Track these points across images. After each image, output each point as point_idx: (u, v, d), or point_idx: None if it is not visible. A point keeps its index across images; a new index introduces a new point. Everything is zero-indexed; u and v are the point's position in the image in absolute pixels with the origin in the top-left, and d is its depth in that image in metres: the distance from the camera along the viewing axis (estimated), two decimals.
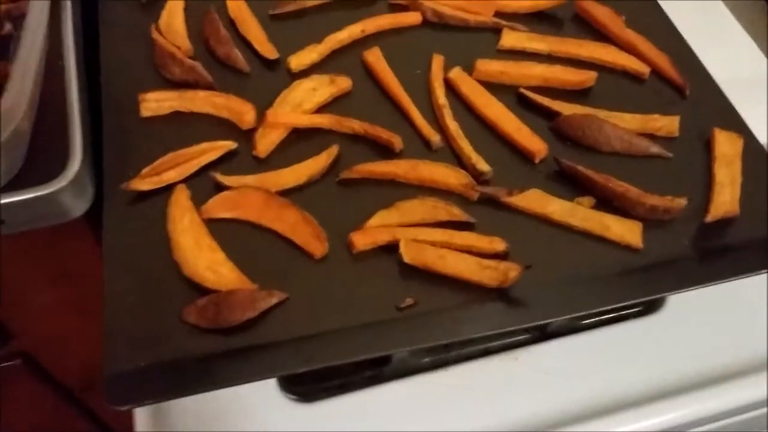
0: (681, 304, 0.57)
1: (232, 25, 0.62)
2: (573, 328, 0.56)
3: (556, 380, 0.53)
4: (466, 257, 0.49)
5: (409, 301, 0.48)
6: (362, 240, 0.50)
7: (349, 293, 0.48)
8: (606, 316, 0.56)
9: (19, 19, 0.56)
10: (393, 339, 0.46)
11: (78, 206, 0.53)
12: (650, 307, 0.58)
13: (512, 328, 0.47)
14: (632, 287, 0.50)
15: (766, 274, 0.51)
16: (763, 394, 0.55)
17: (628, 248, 0.51)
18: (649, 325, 0.57)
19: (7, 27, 0.59)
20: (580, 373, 0.53)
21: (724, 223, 0.53)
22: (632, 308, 0.57)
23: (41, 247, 0.61)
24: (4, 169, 0.48)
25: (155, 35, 0.58)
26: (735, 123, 0.59)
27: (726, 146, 0.55)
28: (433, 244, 0.50)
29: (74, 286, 0.67)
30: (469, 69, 0.60)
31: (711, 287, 0.50)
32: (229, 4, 0.63)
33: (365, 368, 0.53)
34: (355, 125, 0.56)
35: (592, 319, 0.56)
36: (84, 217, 0.53)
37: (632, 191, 0.52)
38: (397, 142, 0.55)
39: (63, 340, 0.73)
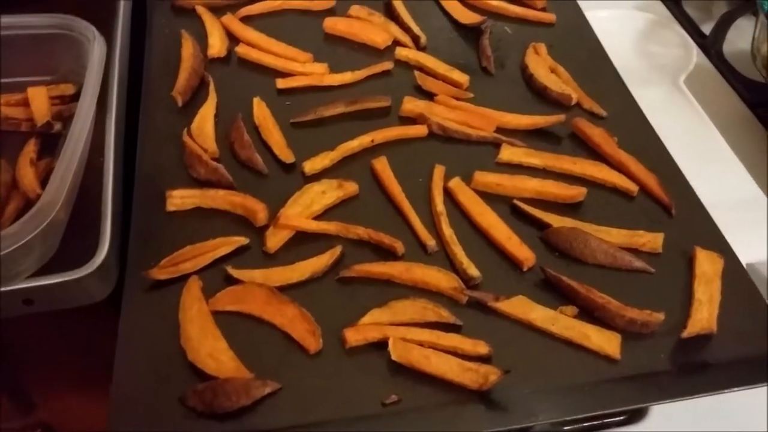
0: (665, 413, 0.58)
1: (256, 130, 0.69)
2: None
3: None
4: (449, 359, 0.52)
5: (393, 397, 0.51)
6: (354, 336, 0.53)
7: (338, 387, 0.52)
8: (588, 424, 0.58)
9: (68, 120, 0.64)
10: None
11: (101, 290, 0.58)
12: (634, 416, 0.59)
13: (489, 431, 0.49)
14: (608, 397, 0.52)
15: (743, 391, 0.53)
16: None
17: (606, 358, 0.54)
18: None
19: (57, 126, 0.67)
20: None
21: (702, 339, 0.55)
22: (615, 416, 0.59)
23: (67, 325, 0.66)
24: (38, 255, 0.53)
25: (185, 138, 0.65)
26: (718, 243, 0.61)
27: (706, 265, 0.58)
28: (421, 343, 0.53)
29: (94, 362, 0.71)
30: (468, 179, 0.65)
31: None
32: (255, 113, 0.70)
33: None
34: (360, 231, 0.60)
35: (573, 426, 0.57)
36: (109, 297, 0.58)
37: (612, 303, 0.55)
38: (399, 247, 0.59)
39: (80, 414, 0.77)
